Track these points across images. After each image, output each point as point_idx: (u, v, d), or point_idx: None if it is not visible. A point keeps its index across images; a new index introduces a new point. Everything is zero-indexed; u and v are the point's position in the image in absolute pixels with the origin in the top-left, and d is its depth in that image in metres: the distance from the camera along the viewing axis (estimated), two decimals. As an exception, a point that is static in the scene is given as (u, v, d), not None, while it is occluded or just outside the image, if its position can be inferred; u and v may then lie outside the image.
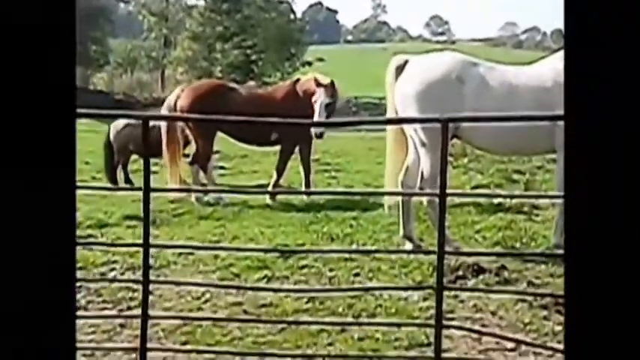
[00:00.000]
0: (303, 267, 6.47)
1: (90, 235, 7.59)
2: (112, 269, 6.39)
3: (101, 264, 6.53)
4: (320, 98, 9.87)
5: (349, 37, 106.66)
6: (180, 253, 6.99)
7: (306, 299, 5.45)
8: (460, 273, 6.12)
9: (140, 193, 4.08)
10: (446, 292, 5.68)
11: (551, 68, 6.86)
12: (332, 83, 10.02)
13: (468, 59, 7.14)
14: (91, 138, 15.81)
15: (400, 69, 7.28)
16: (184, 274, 6.29)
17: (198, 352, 4.48)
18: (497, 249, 7.06)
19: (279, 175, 10.69)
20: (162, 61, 45.05)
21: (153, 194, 10.16)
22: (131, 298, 5.52)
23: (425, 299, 5.49)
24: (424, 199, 7.22)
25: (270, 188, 10.44)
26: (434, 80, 6.96)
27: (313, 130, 9.77)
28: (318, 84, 9.99)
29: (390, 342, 4.76)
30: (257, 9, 41.39)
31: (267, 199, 9.91)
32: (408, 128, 7.12)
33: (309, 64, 42.22)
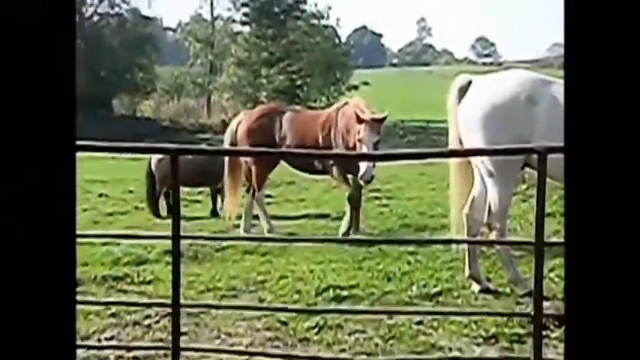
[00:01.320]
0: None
1: (126, 275, 6.97)
2: (147, 316, 5.73)
3: (134, 310, 5.90)
4: (365, 137, 8.46)
5: (394, 61, 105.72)
6: (222, 296, 6.36)
7: (365, 357, 4.72)
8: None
9: (184, 224, 3.46)
10: (526, 346, 4.91)
11: None
12: (381, 119, 8.65)
13: (538, 77, 6.35)
14: (135, 166, 15.38)
15: (463, 90, 6.53)
16: (226, 321, 5.61)
17: None
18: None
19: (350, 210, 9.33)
20: (208, 87, 45.04)
21: (194, 227, 9.47)
22: (166, 355, 4.85)
23: (504, 357, 4.71)
24: (492, 235, 6.42)
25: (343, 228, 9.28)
26: (502, 102, 6.18)
27: (361, 175, 8.46)
28: (360, 120, 8.55)
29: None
30: (302, 34, 41.05)
31: (322, 231, 9.30)
32: (473, 157, 6.37)
33: (355, 87, 41.61)
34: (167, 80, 46.92)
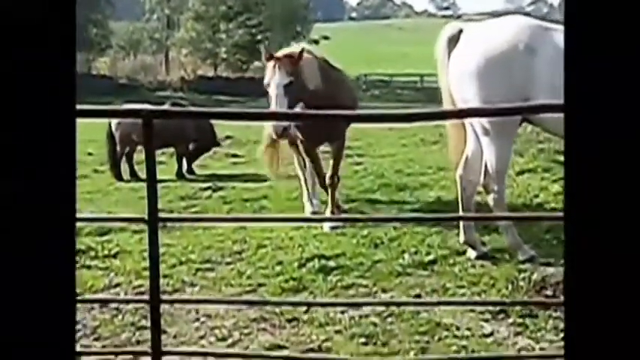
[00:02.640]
0: (349, 286, 5.23)
1: (89, 248, 6.31)
2: (115, 296, 5.15)
3: (101, 289, 5.30)
4: (273, 79, 6.57)
5: (353, 14, 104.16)
6: (197, 270, 5.78)
7: (364, 340, 4.20)
8: (549, 292, 4.86)
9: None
10: (540, 321, 4.48)
11: None
12: (294, 54, 6.76)
13: (538, 24, 5.73)
14: (94, 126, 14.50)
15: (454, 40, 5.93)
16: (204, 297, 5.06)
17: None
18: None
19: (319, 176, 7.61)
20: (165, 42, 43.72)
21: (160, 190, 8.83)
22: (138, 342, 4.28)
23: (517, 334, 4.25)
24: (490, 198, 5.91)
25: (328, 209, 7.43)
26: (498, 52, 5.59)
27: (271, 126, 6.71)
28: (270, 56, 6.77)
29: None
30: (260, -16, 39.96)
31: (294, 193, 8.57)
32: (466, 112, 5.81)
33: (316, 42, 40.63)
34: (122, 36, 45.36)
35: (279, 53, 6.88)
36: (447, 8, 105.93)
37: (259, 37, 38.88)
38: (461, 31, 5.97)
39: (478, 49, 5.73)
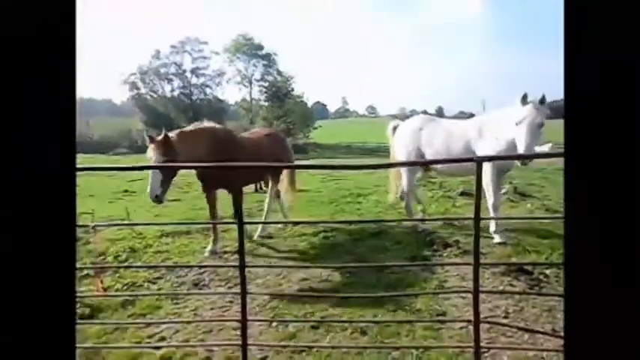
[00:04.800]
0: (333, 245, 4.67)
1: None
2: (225, 252, 4.59)
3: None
4: (153, 157, 3.80)
5: (332, 116, 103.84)
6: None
7: (347, 275, 3.68)
8: (435, 247, 4.33)
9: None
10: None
11: (470, 123, 5.02)
12: (162, 139, 3.82)
13: (428, 117, 5.45)
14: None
15: (395, 128, 5.62)
16: (280, 245, 4.48)
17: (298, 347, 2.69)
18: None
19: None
20: (250, 132, 42.93)
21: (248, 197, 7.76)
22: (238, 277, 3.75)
23: (423, 271, 3.70)
24: (403, 204, 5.40)
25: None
26: (409, 130, 5.23)
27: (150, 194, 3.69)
28: (151, 140, 3.85)
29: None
30: (293, 104, 39.87)
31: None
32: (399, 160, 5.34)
33: (316, 128, 40.80)
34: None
35: (159, 137, 3.87)
36: (373, 113, 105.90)
37: (291, 127, 38.49)
38: (398, 124, 5.63)
39: (403, 130, 5.34)
